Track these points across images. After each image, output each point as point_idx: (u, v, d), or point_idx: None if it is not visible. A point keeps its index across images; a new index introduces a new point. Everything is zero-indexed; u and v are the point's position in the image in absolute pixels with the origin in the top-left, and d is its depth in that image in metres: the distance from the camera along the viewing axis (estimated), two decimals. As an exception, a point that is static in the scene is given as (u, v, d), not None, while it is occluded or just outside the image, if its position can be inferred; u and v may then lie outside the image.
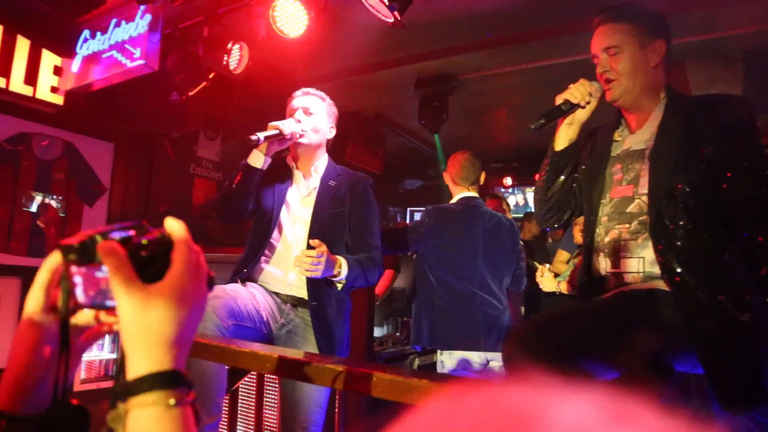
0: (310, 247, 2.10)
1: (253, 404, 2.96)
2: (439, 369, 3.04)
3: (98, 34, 3.28)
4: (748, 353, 1.48)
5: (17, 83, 3.31)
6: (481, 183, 3.26)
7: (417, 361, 3.80)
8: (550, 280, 3.60)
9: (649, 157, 1.69)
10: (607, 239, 1.73)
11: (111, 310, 0.66)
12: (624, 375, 1.49)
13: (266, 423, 2.90)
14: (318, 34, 2.74)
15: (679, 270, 1.55)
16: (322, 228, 2.26)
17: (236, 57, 2.94)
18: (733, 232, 1.58)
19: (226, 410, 2.75)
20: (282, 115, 2.38)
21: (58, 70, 3.46)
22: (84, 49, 3.37)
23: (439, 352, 3.09)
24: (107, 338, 3.78)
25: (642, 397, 0.32)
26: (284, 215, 2.34)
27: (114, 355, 3.95)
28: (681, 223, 1.57)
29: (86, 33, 3.37)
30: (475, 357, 3.01)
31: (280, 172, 2.39)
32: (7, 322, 3.34)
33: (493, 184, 6.96)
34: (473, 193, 3.20)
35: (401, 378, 1.17)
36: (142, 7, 2.96)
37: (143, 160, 4.17)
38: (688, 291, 1.52)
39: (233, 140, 4.80)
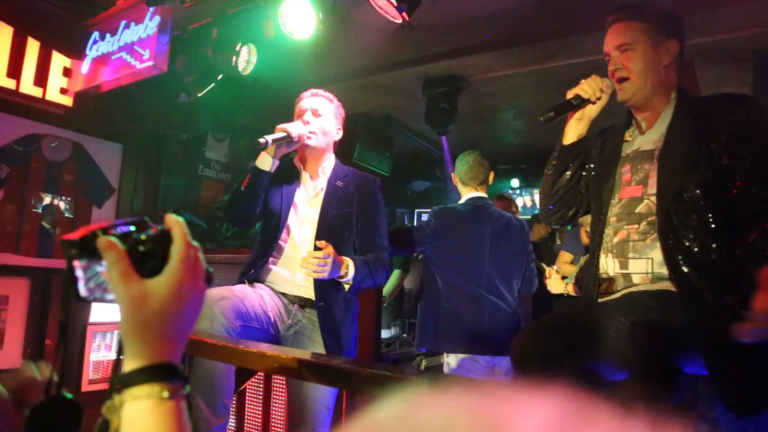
0: (317, 248, 2.11)
1: (260, 405, 2.97)
2: (446, 371, 3.03)
3: (108, 35, 3.30)
4: (754, 355, 1.47)
5: (27, 85, 3.33)
6: (490, 183, 3.24)
7: (424, 363, 3.80)
8: (557, 282, 3.57)
9: (658, 158, 1.68)
10: (615, 240, 1.72)
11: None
12: (632, 376, 1.48)
13: (273, 423, 2.90)
14: (326, 35, 2.74)
15: (686, 271, 1.54)
16: (329, 229, 2.26)
17: (245, 58, 2.95)
18: (742, 233, 1.56)
19: (233, 411, 2.76)
20: (290, 117, 2.38)
21: (67, 72, 3.48)
22: (93, 51, 3.39)
23: (445, 354, 3.07)
24: (115, 338, 3.79)
25: (604, 402, 0.32)
26: (292, 216, 2.34)
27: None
28: (689, 224, 1.56)
29: (96, 35, 3.38)
30: (481, 360, 2.99)
31: (288, 173, 2.40)
32: (16, 323, 3.36)
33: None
34: (482, 193, 3.18)
35: (408, 379, 1.16)
36: (151, 9, 2.97)
37: (152, 161, 4.19)
38: (696, 292, 1.51)
39: (242, 141, 4.81)
